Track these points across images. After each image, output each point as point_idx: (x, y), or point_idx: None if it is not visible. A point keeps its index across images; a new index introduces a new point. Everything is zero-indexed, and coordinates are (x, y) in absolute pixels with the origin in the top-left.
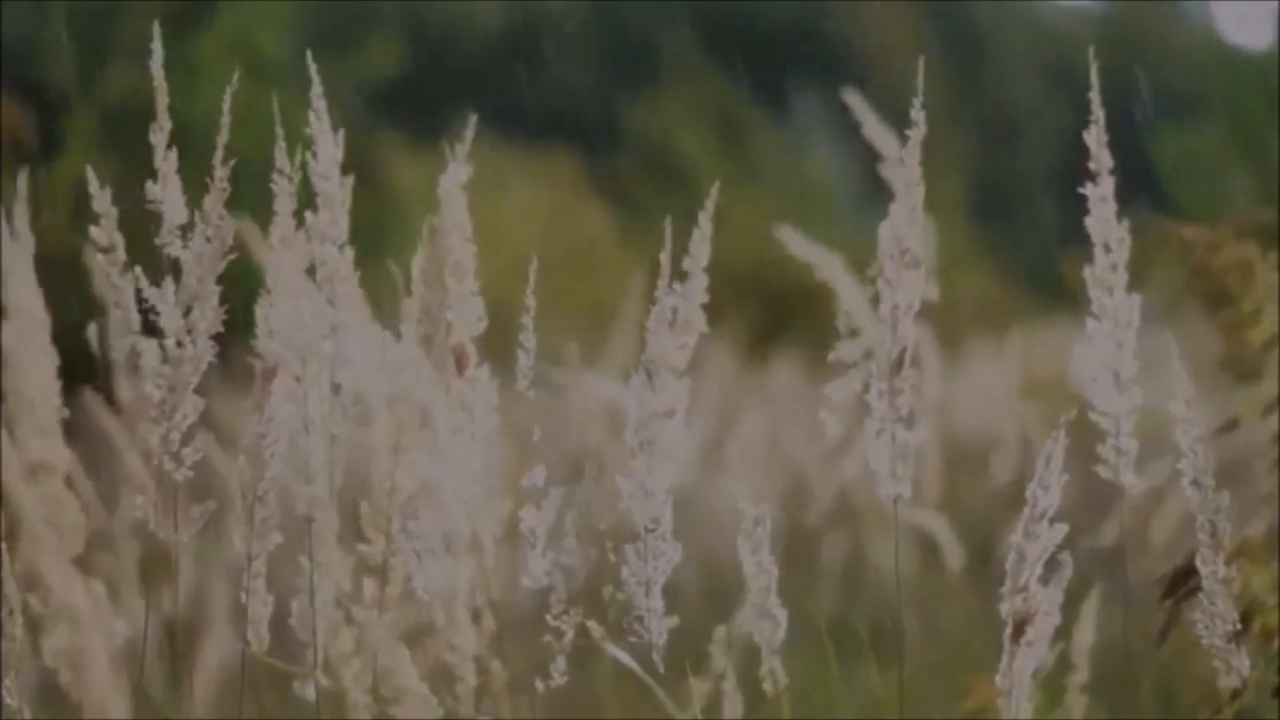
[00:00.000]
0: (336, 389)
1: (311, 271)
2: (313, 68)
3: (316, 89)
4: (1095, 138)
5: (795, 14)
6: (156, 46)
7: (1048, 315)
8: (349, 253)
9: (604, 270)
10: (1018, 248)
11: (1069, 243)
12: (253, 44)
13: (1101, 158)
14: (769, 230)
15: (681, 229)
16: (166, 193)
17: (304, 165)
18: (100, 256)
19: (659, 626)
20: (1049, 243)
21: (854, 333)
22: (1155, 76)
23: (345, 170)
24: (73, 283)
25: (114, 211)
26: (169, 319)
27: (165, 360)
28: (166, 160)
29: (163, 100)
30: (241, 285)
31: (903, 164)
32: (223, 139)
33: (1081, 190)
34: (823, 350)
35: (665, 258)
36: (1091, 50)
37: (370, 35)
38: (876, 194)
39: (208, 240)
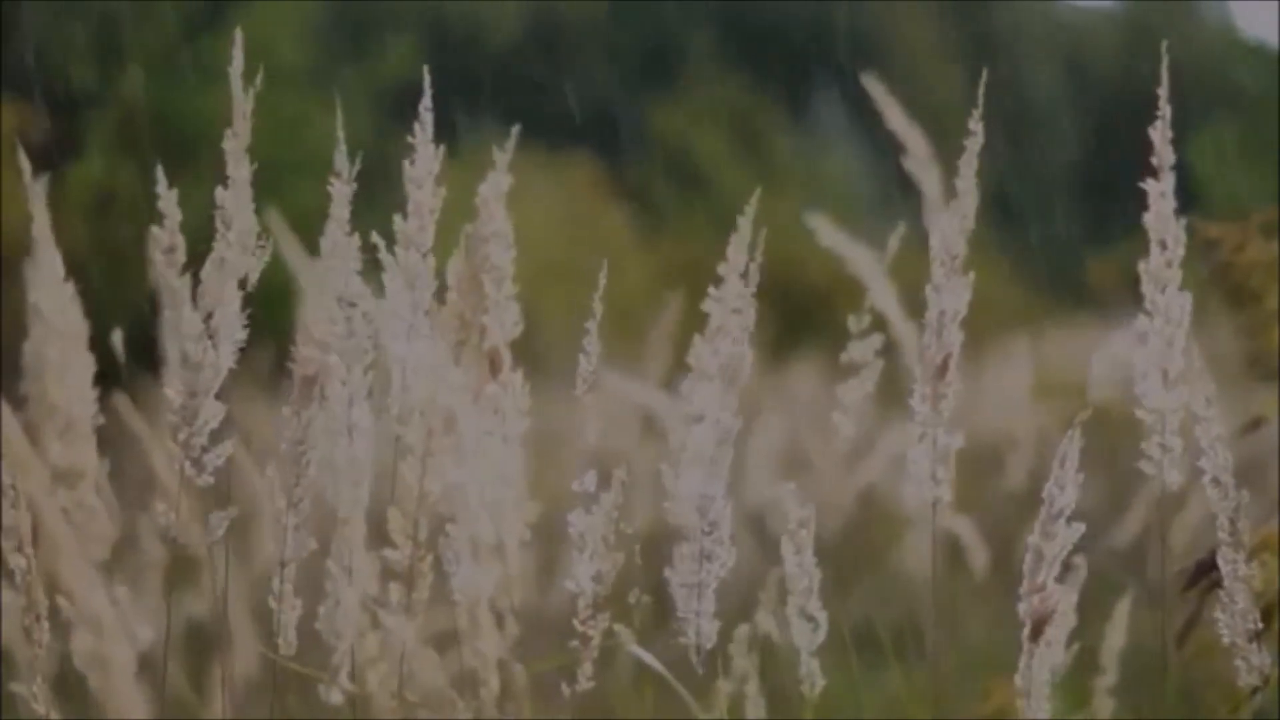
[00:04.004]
0: (382, 395)
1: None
2: (426, 80)
3: (426, 102)
4: (1160, 133)
5: (815, 16)
6: (237, 54)
7: (1067, 317)
8: (431, 260)
9: (625, 273)
10: (1037, 250)
11: (1088, 245)
12: (267, 47)
13: (1164, 153)
14: (789, 232)
15: (699, 231)
16: (238, 200)
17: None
18: (160, 257)
19: (708, 629)
20: (1069, 244)
21: (864, 333)
22: (1176, 74)
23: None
24: (93, 285)
25: (178, 213)
26: (189, 324)
27: (186, 365)
28: (239, 168)
29: (241, 109)
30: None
31: (959, 173)
32: (245, 140)
33: (1103, 188)
34: (843, 352)
35: (726, 269)
36: (1164, 45)
37: (388, 39)
38: (896, 195)
39: (229, 245)
